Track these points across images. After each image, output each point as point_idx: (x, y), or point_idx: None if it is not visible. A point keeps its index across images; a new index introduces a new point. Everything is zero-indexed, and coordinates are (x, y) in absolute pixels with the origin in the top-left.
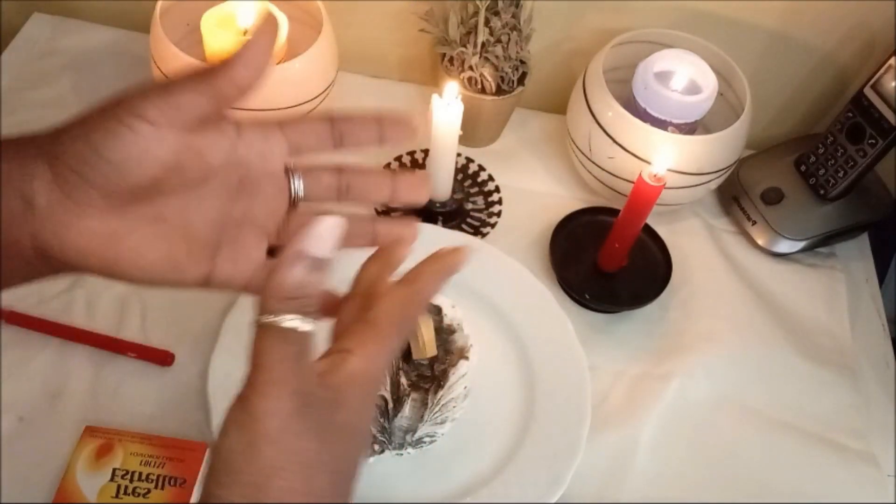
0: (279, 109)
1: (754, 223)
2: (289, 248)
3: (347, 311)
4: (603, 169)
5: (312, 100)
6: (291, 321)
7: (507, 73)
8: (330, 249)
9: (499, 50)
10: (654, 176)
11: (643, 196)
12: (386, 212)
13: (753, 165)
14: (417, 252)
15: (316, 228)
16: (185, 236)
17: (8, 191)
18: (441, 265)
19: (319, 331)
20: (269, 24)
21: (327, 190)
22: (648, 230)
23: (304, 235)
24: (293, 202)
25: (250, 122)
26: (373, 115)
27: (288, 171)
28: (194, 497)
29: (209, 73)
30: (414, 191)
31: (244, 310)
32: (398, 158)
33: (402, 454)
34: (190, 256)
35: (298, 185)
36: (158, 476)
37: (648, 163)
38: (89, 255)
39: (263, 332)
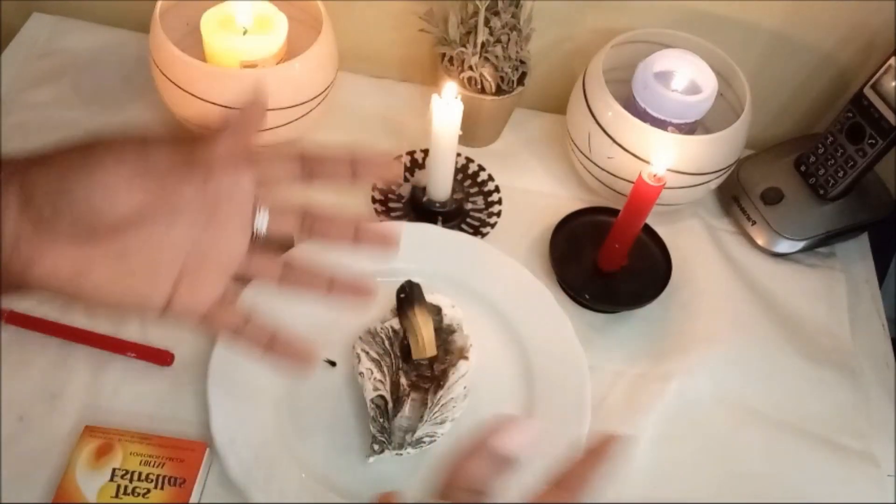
0: (279, 109)
1: (754, 223)
2: (480, 439)
3: None
4: (602, 169)
5: (312, 99)
6: None
7: (506, 73)
8: (522, 451)
9: (499, 50)
10: (654, 176)
11: (643, 196)
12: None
13: (753, 165)
14: (416, 253)
15: (514, 428)
16: (148, 269)
17: None
18: (596, 461)
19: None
20: (256, 107)
21: (289, 229)
22: (648, 230)
23: (499, 430)
24: (254, 237)
25: (220, 159)
26: (346, 154)
27: (254, 207)
28: (194, 497)
29: (190, 142)
30: (380, 242)
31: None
32: (398, 158)
33: (401, 454)
34: (151, 287)
35: (261, 223)
36: (158, 476)
37: (648, 163)
38: (51, 286)
39: None
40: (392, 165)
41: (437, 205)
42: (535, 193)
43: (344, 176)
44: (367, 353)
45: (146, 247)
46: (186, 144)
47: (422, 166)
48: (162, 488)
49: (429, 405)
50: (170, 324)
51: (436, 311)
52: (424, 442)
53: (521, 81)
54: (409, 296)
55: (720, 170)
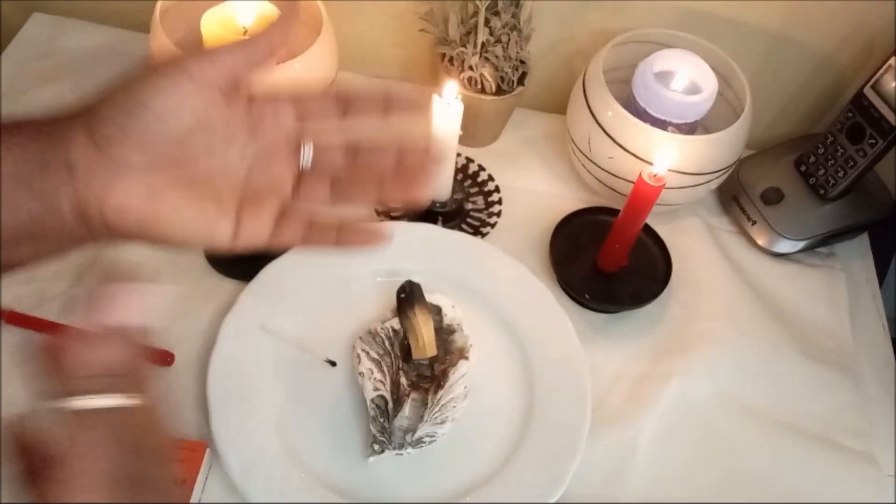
0: None
1: (754, 223)
2: (85, 328)
3: None
4: (603, 169)
5: None
6: (99, 399)
7: (507, 73)
8: (130, 317)
9: (499, 50)
10: (654, 176)
11: (643, 196)
12: (386, 214)
13: (753, 165)
14: (416, 253)
15: (110, 301)
16: (213, 196)
17: (51, 158)
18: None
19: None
20: (292, 10)
21: (334, 160)
22: (648, 230)
23: (94, 307)
24: (301, 171)
25: (262, 93)
26: (380, 91)
27: (298, 141)
28: (194, 497)
29: (246, 40)
30: (421, 172)
31: (244, 310)
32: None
33: (402, 454)
34: (219, 214)
35: (307, 155)
36: None
37: (648, 163)
38: (130, 213)
39: (69, 418)
40: (422, 102)
41: (437, 205)
42: (535, 193)
43: (376, 111)
44: (368, 353)
45: (208, 172)
46: (245, 47)
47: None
48: None
49: (429, 405)
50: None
51: (436, 311)
52: (424, 442)
53: (521, 81)
54: (409, 296)
55: (720, 170)
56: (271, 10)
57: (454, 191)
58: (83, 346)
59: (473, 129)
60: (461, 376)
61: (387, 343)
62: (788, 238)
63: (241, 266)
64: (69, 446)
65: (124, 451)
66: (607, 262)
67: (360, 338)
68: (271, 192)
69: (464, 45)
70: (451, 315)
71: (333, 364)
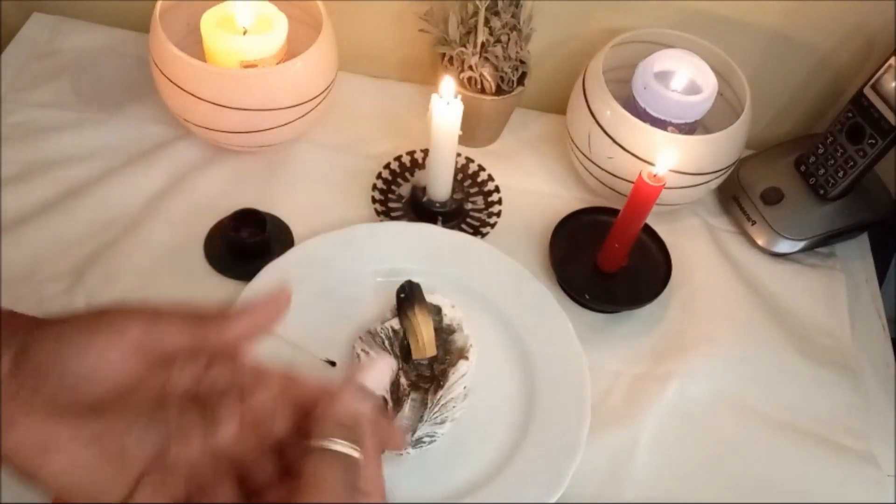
0: (279, 109)
1: (754, 223)
2: (345, 381)
3: None
4: (603, 169)
5: (312, 99)
6: (344, 446)
7: (506, 73)
8: (382, 387)
9: (499, 50)
10: (654, 176)
11: (643, 196)
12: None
13: (753, 165)
14: (416, 253)
15: (374, 366)
16: (116, 461)
17: None
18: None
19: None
20: (281, 299)
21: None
22: (648, 230)
23: (362, 371)
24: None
25: (228, 347)
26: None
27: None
28: None
29: (202, 320)
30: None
31: None
32: (398, 158)
33: (401, 454)
34: (114, 481)
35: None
36: None
37: (648, 163)
38: (15, 456)
39: (318, 455)
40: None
41: (437, 205)
42: (535, 193)
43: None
44: (367, 353)
45: (120, 435)
46: (197, 329)
47: (422, 166)
48: None
49: (429, 405)
50: None
51: (436, 311)
52: (424, 442)
53: (521, 81)
54: (409, 296)
55: (720, 170)
56: (271, 10)
57: (454, 191)
58: (340, 396)
59: (473, 129)
60: (461, 376)
61: (386, 343)
62: (788, 238)
63: (241, 266)
64: (312, 477)
65: (347, 495)
66: (607, 262)
67: (360, 338)
68: (190, 466)
69: (464, 45)
70: (451, 315)
71: (333, 364)
